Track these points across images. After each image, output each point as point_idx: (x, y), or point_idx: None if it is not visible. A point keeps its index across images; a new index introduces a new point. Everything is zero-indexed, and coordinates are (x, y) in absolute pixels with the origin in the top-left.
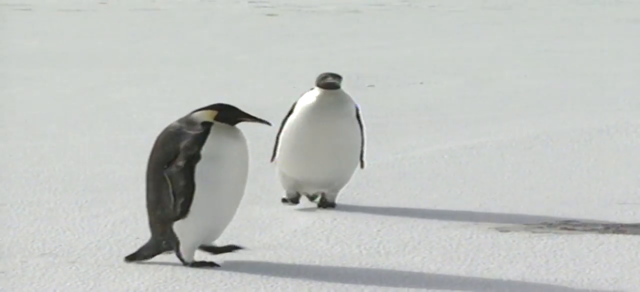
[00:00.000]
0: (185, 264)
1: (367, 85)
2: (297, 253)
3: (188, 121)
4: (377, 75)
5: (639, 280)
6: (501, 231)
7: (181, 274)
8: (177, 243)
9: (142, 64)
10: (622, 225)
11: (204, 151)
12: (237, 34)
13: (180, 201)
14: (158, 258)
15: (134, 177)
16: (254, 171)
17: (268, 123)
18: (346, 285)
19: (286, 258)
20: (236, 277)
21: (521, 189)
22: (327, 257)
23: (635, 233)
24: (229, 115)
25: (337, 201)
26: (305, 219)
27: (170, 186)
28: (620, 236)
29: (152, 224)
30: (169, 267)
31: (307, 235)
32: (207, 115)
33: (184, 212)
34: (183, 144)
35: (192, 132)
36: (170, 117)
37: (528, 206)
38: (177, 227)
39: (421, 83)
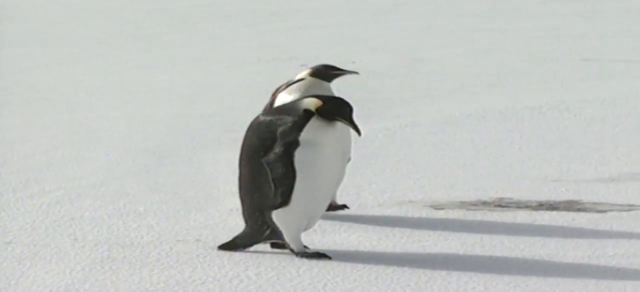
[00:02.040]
0: (296, 254)
1: (300, 64)
2: (234, 232)
3: (289, 107)
4: (309, 54)
5: (573, 256)
6: (436, 208)
7: (117, 252)
8: (281, 232)
9: (72, 44)
10: (555, 202)
11: (302, 137)
12: (167, 12)
13: (281, 189)
14: (101, 238)
15: (67, 157)
16: (190, 149)
17: (358, 132)
18: (283, 263)
19: (222, 237)
20: (172, 256)
21: (455, 167)
22: None
23: (568, 210)
24: (332, 110)
25: None
26: (237, 201)
27: (269, 173)
28: (554, 212)
29: (250, 213)
30: (104, 247)
31: (240, 216)
32: (312, 104)
33: (285, 201)
34: (280, 130)
35: (290, 118)
36: (102, 97)
37: (462, 183)
38: (277, 215)
39: (353, 62)
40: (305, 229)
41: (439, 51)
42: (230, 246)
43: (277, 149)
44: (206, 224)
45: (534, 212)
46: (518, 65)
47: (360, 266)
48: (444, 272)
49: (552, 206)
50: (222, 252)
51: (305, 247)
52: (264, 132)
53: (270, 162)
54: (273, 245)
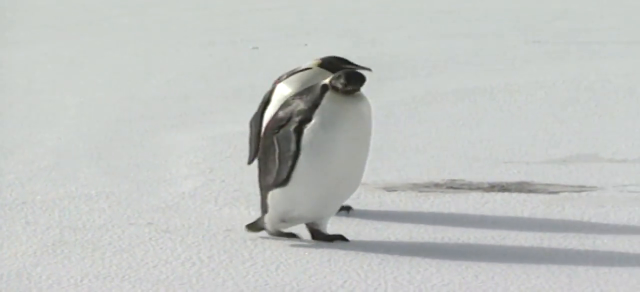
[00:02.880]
0: (269, 233)
1: (251, 47)
2: (186, 215)
3: (310, 87)
4: (261, 37)
5: (524, 237)
6: (388, 190)
7: (69, 235)
8: (265, 211)
9: (24, 28)
10: (506, 183)
11: (315, 115)
12: None
13: (283, 165)
14: (53, 222)
15: (19, 141)
16: (141, 132)
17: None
18: (235, 246)
19: (175, 220)
20: (124, 239)
21: (407, 149)
22: (216, 218)
23: (519, 191)
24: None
25: (227, 167)
26: (193, 182)
27: (277, 150)
28: (505, 194)
29: (261, 195)
30: (56, 230)
31: (195, 197)
32: (324, 77)
33: (285, 179)
34: (298, 108)
35: (310, 97)
36: (54, 81)
37: (414, 166)
38: (273, 196)
39: (306, 45)
40: (317, 218)
41: (392, 33)
42: (254, 227)
43: (289, 125)
44: (158, 208)
45: (485, 194)
46: (469, 47)
47: (312, 248)
48: (396, 255)
49: (503, 188)
50: (174, 235)
51: (280, 230)
52: (283, 110)
53: (280, 139)
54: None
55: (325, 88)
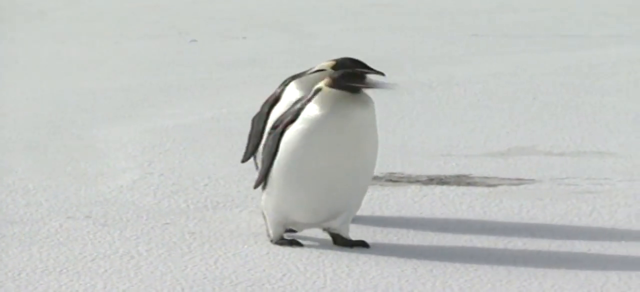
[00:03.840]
0: (271, 241)
1: (190, 40)
2: (124, 209)
3: (309, 89)
4: (200, 29)
5: (463, 230)
6: None
7: (6, 229)
8: (265, 216)
9: None
10: (445, 176)
11: (301, 116)
12: None
13: (263, 167)
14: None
15: None
16: (80, 125)
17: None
18: (174, 239)
19: (113, 214)
20: (62, 233)
21: None
22: (155, 212)
23: (458, 184)
24: (345, 81)
25: (166, 160)
26: (131, 175)
27: (265, 151)
28: (444, 187)
29: None
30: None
31: (133, 190)
32: (322, 82)
33: (263, 181)
34: (292, 109)
35: (304, 98)
36: None
37: None
38: (263, 199)
39: (244, 37)
40: (297, 226)
41: (330, 27)
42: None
43: (279, 127)
44: (96, 201)
45: (424, 187)
46: (408, 41)
47: (251, 241)
48: (335, 248)
49: (442, 181)
50: (113, 229)
51: (283, 236)
52: (286, 112)
53: (268, 139)
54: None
55: (318, 90)
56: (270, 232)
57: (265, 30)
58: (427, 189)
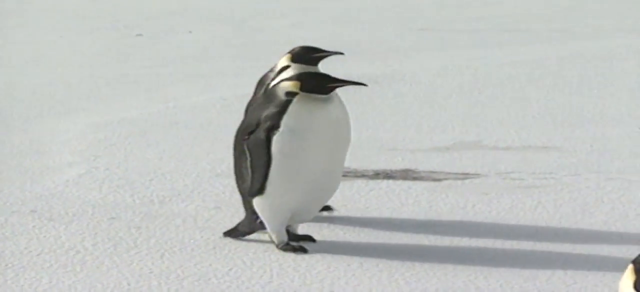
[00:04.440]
0: (277, 246)
1: (135, 34)
2: (70, 203)
3: (274, 91)
4: (145, 24)
5: (409, 224)
6: None
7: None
8: (263, 222)
9: None
10: (391, 171)
11: (284, 121)
12: None
13: (256, 174)
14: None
15: None
16: (24, 120)
17: (364, 84)
18: (120, 233)
19: (59, 208)
20: (7, 227)
21: None
22: (101, 206)
23: (404, 178)
24: (314, 84)
25: (112, 154)
26: (77, 169)
27: (248, 158)
28: (390, 181)
29: (242, 201)
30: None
31: (79, 185)
32: (291, 86)
33: (260, 188)
34: (265, 114)
35: (276, 101)
36: None
37: None
38: (257, 204)
39: (190, 32)
40: (296, 221)
41: (276, 21)
42: (233, 233)
43: (258, 133)
44: (41, 195)
45: (370, 181)
46: (355, 35)
47: (198, 235)
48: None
49: (388, 175)
50: (58, 223)
51: (288, 241)
52: (251, 115)
53: (250, 146)
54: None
55: (290, 94)
56: (274, 237)
57: (210, 24)
58: (373, 183)
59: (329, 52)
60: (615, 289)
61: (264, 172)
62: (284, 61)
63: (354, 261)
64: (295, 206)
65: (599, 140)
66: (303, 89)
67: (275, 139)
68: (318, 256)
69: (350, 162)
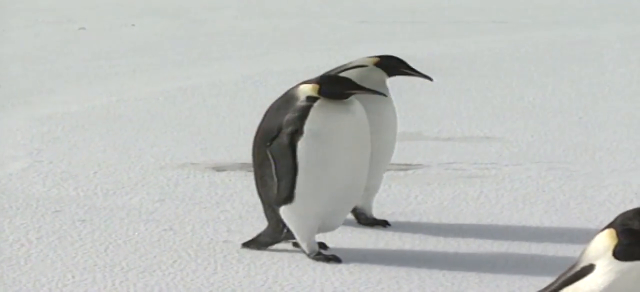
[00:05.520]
0: (308, 255)
1: (78, 28)
2: (14, 197)
3: (294, 93)
4: (88, 17)
5: (350, 215)
6: (218, 170)
7: None
8: (291, 231)
9: None
10: None
11: (306, 126)
12: None
13: (283, 183)
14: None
15: None
16: None
17: (383, 94)
18: (64, 227)
19: (2, 202)
20: None
21: (237, 129)
22: (45, 199)
23: None
24: (333, 89)
25: (55, 148)
26: (20, 163)
27: (273, 165)
28: None
29: (265, 209)
30: None
31: (22, 178)
32: (310, 90)
33: (289, 196)
34: (286, 118)
35: (297, 105)
36: None
37: (243, 145)
38: (284, 212)
39: (133, 25)
40: (325, 230)
41: (219, 13)
42: (254, 244)
43: (281, 138)
44: None
45: None
46: (296, 28)
47: (142, 228)
48: (225, 233)
49: None
50: (2, 217)
51: (320, 250)
52: (272, 119)
53: (273, 153)
54: (295, 244)
55: (311, 99)
56: (304, 247)
57: (153, 17)
58: None
59: (416, 72)
60: (554, 276)
61: (291, 179)
62: (364, 60)
63: (297, 253)
64: (324, 213)
65: (540, 130)
66: (322, 93)
67: (300, 145)
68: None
69: None
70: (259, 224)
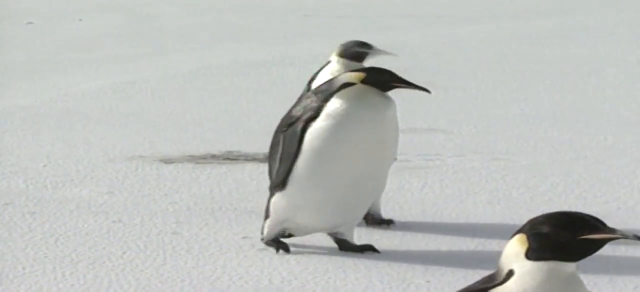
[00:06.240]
0: (261, 239)
1: (26, 22)
2: None
3: (329, 82)
4: (36, 11)
5: None
6: (166, 162)
7: None
8: (267, 216)
9: None
10: None
11: (325, 110)
12: None
13: (282, 166)
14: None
15: None
16: None
17: (427, 90)
18: (14, 219)
19: None
20: None
21: (184, 121)
22: None
23: None
24: (379, 78)
25: (4, 142)
26: None
27: (280, 149)
28: None
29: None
30: None
31: None
32: (353, 78)
33: (282, 181)
34: (307, 105)
35: (325, 91)
36: None
37: (191, 138)
38: (274, 200)
39: (80, 20)
40: (300, 230)
41: (166, 7)
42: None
43: (297, 124)
44: None
45: (261, 164)
46: (242, 22)
47: (91, 220)
48: (173, 225)
49: None
50: None
51: (278, 241)
52: (296, 106)
53: (286, 137)
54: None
55: (345, 85)
56: (265, 230)
57: (101, 11)
58: (264, 166)
59: (378, 49)
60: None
61: (290, 165)
62: (332, 57)
63: (245, 244)
64: (315, 208)
65: (483, 122)
66: (366, 81)
67: (310, 131)
68: (210, 239)
69: (242, 145)
70: (208, 215)
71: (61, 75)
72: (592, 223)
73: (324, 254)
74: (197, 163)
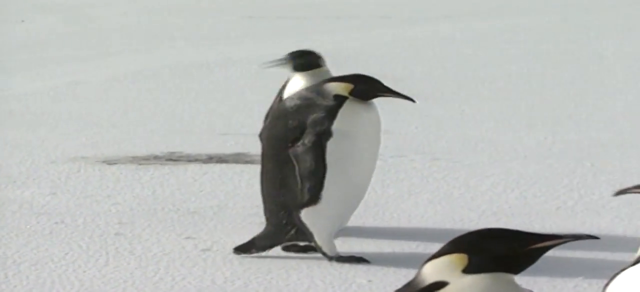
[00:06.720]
0: (329, 259)
1: None
2: None
3: (317, 92)
4: None
5: (242, 206)
6: (109, 163)
7: None
8: (311, 234)
9: None
10: (224, 155)
11: (335, 126)
12: None
13: (309, 185)
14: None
15: None
16: None
17: (412, 100)
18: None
19: None
20: None
21: (127, 123)
22: None
23: (236, 162)
24: (366, 89)
25: None
26: None
27: (297, 167)
28: (223, 165)
29: (273, 211)
30: None
31: None
32: (341, 88)
33: (314, 198)
34: (312, 118)
35: (323, 105)
36: None
37: (134, 139)
38: (306, 215)
39: (23, 21)
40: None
41: (106, 9)
42: (247, 248)
43: (307, 139)
44: None
45: (204, 165)
46: (186, 22)
47: (34, 221)
48: (116, 225)
49: (221, 159)
50: None
51: (340, 253)
52: (291, 119)
53: (298, 155)
54: (287, 249)
55: (340, 98)
56: (326, 250)
57: (42, 13)
58: (206, 167)
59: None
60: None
61: (319, 180)
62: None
63: (188, 244)
64: (343, 212)
65: (424, 122)
66: (354, 93)
67: (330, 146)
68: (153, 240)
69: (184, 146)
70: (150, 216)
71: (2, 77)
72: (536, 233)
73: (266, 254)
74: (140, 164)
